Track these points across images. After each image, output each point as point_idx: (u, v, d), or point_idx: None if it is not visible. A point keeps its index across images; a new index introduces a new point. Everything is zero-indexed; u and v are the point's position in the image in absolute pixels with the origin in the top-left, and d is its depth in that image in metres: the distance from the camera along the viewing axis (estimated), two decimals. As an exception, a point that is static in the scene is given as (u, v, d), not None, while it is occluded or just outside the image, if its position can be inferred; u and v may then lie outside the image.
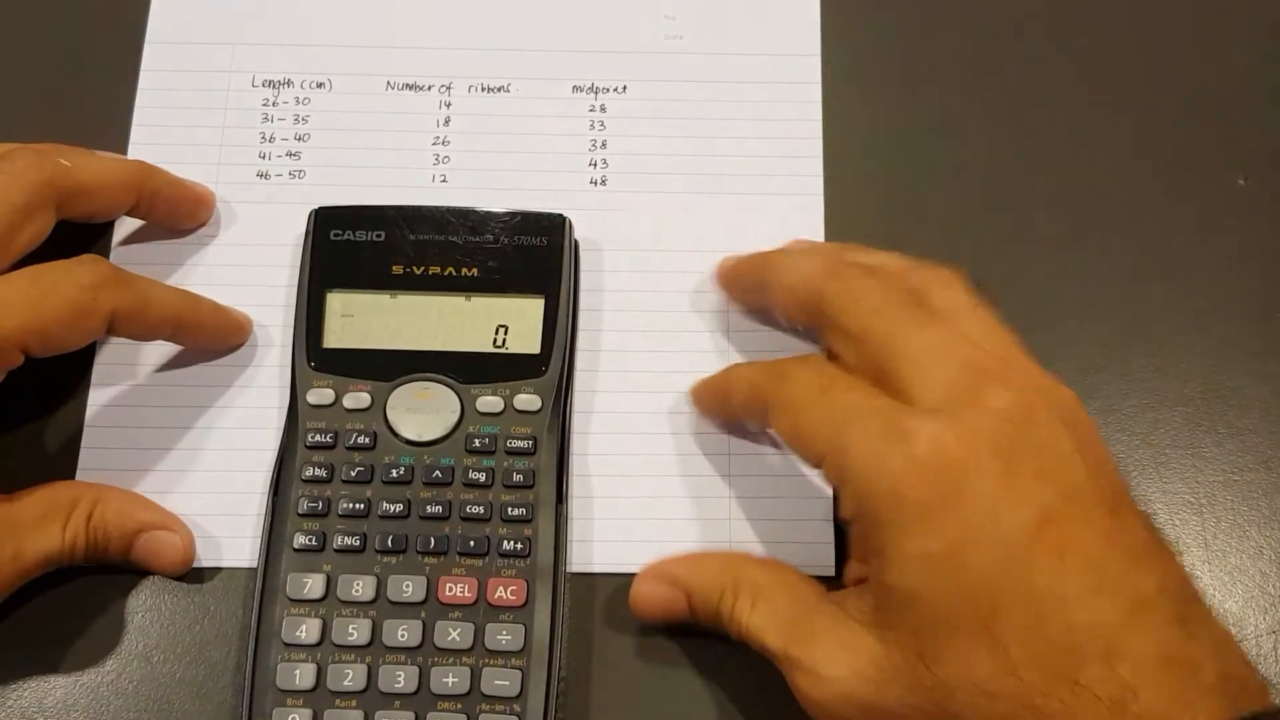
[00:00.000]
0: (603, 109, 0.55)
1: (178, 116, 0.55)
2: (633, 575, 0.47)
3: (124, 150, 0.54)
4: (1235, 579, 0.48)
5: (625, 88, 0.55)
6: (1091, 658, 0.36)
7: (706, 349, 0.51)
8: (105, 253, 0.52)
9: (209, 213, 0.52)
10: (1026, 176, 0.54)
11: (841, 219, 0.53)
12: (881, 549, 0.39)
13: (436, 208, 0.50)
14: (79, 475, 0.49)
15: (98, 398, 0.50)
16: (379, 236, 0.49)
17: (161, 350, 0.50)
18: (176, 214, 0.51)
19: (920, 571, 0.38)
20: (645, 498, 0.49)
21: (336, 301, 0.49)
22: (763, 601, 0.42)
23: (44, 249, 0.46)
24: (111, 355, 0.50)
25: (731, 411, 0.48)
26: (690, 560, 0.46)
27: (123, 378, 0.50)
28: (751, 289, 0.49)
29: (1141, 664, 0.36)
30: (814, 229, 0.53)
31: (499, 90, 0.55)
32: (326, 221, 0.50)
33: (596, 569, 0.48)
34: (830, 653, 0.40)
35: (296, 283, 0.49)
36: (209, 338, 0.50)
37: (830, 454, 0.41)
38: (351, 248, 0.49)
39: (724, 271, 0.50)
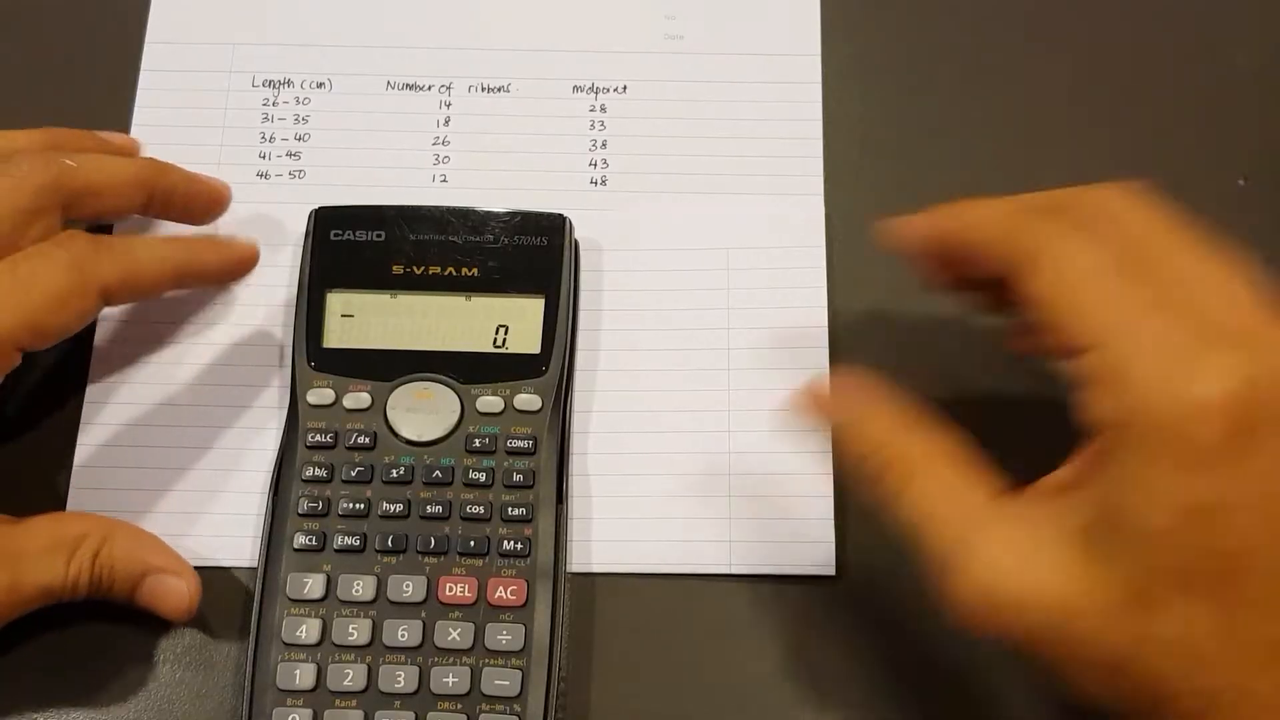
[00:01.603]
0: (603, 109, 0.55)
1: (178, 116, 0.55)
2: (632, 575, 0.47)
3: (126, 149, 0.54)
4: None
5: (625, 87, 0.55)
6: None
7: (707, 348, 0.51)
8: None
9: (226, 206, 0.51)
10: (1027, 176, 0.54)
11: (841, 219, 0.53)
12: (1136, 476, 0.34)
13: (436, 208, 0.50)
14: (75, 473, 0.49)
15: (95, 396, 0.50)
16: (379, 236, 0.49)
17: (161, 347, 0.50)
18: (192, 211, 0.50)
19: (1179, 517, 0.33)
20: (645, 497, 0.49)
21: (336, 301, 0.49)
22: (920, 481, 0.38)
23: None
24: (110, 351, 0.50)
25: (956, 251, 0.41)
26: (863, 406, 0.41)
27: (121, 376, 0.50)
28: (954, 241, 0.42)
29: None
30: (814, 229, 0.53)
31: (499, 90, 0.55)
32: (326, 221, 0.50)
33: (596, 569, 0.48)
34: (1013, 555, 0.35)
35: (296, 283, 0.49)
36: (217, 277, 0.49)
37: (1113, 349, 0.35)
38: (351, 248, 0.49)
39: (910, 229, 0.43)
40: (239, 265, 0.49)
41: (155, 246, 0.47)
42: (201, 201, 0.50)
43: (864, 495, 0.40)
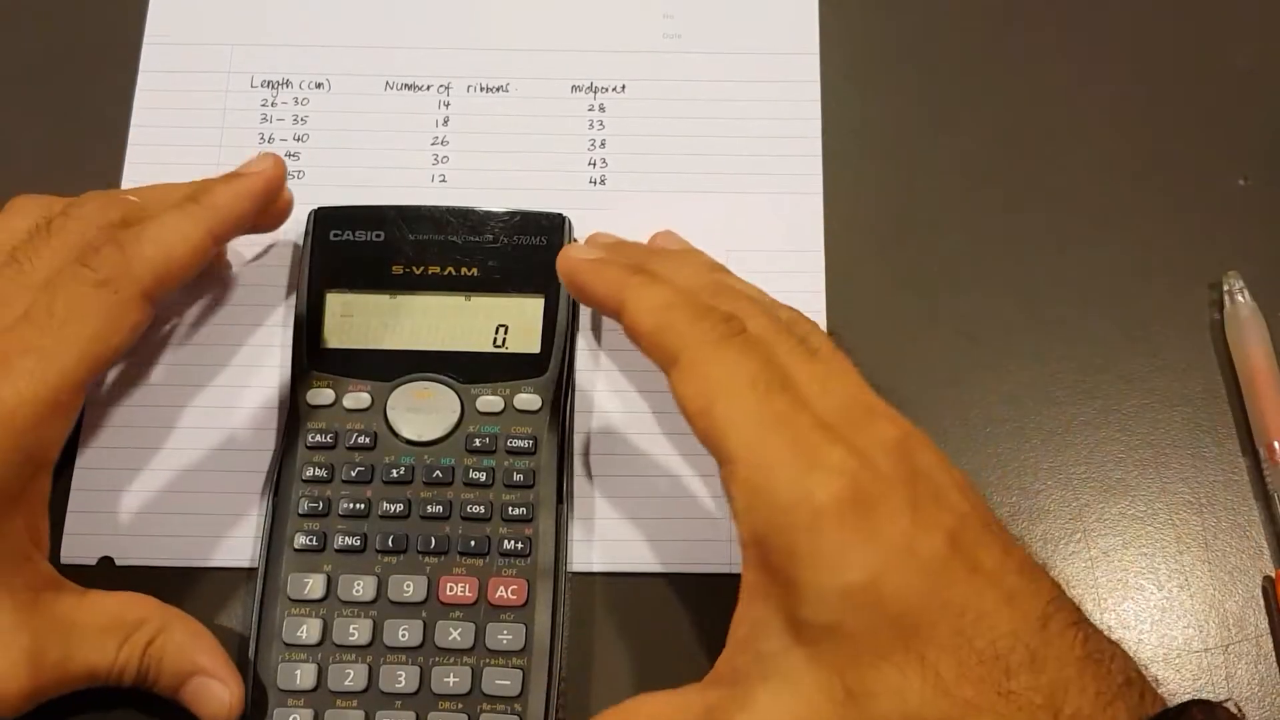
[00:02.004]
0: (601, 108, 0.55)
1: (176, 117, 0.55)
2: (633, 575, 0.48)
3: (123, 150, 0.54)
4: (1235, 579, 0.48)
5: (624, 87, 0.55)
6: (1019, 666, 0.36)
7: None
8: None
9: (289, 204, 0.50)
10: (1026, 176, 0.54)
11: (840, 218, 0.53)
12: (796, 581, 0.37)
13: (436, 208, 0.50)
14: (76, 473, 0.49)
15: (95, 396, 0.50)
16: (378, 237, 0.49)
17: (162, 347, 0.50)
18: (262, 226, 0.49)
19: (842, 605, 0.37)
20: (645, 498, 0.49)
21: (336, 302, 0.49)
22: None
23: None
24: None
25: (612, 316, 0.44)
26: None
27: (122, 376, 0.50)
28: (606, 297, 0.44)
29: (1063, 667, 0.36)
30: (812, 228, 0.53)
31: (498, 90, 0.55)
32: (325, 222, 0.50)
33: (597, 569, 0.48)
34: (775, 692, 0.38)
35: (296, 283, 0.49)
36: (252, 216, 0.47)
37: (748, 464, 0.38)
38: (351, 248, 0.49)
39: (571, 268, 0.46)
40: (265, 191, 0.47)
41: (178, 221, 0.45)
42: (269, 218, 0.49)
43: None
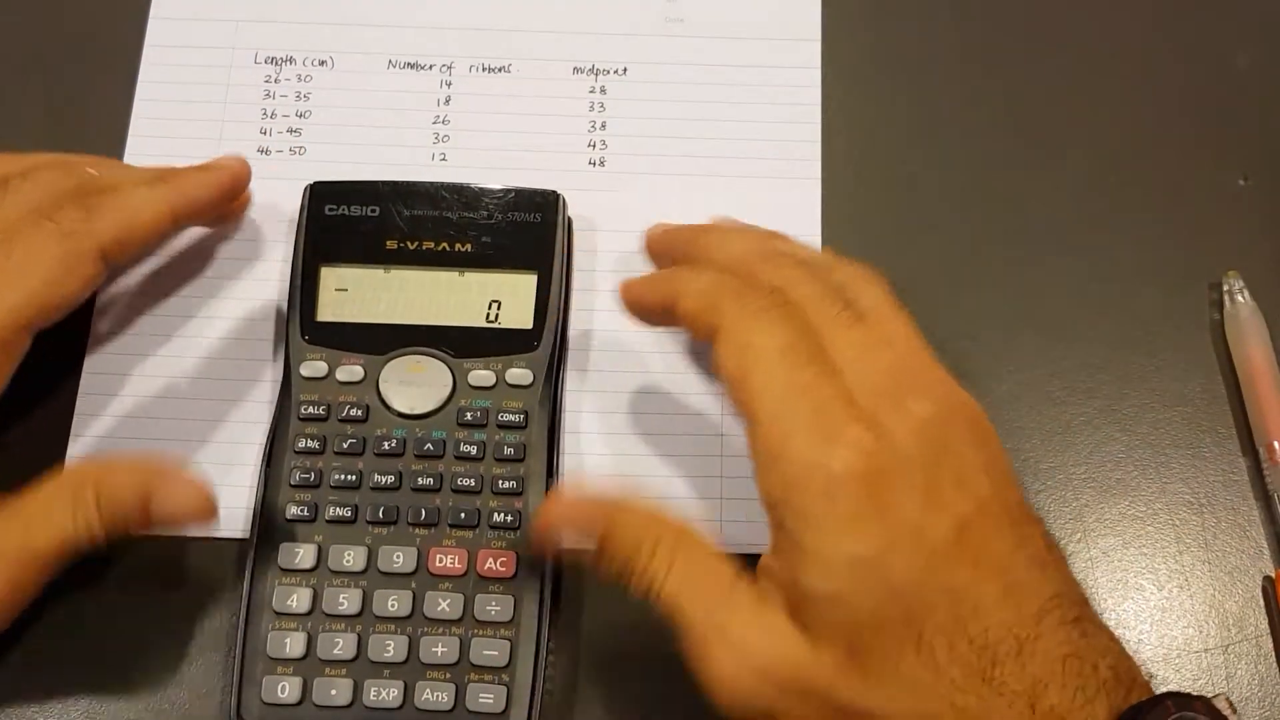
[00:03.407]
0: (603, 90, 0.55)
1: (180, 92, 0.55)
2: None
3: (126, 124, 0.54)
4: (1235, 579, 0.48)
5: (625, 70, 0.56)
6: (1006, 656, 0.37)
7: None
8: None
9: (246, 200, 0.51)
10: (1026, 175, 0.54)
11: (838, 202, 0.53)
12: (803, 546, 0.38)
13: (431, 183, 0.50)
14: (71, 445, 0.49)
15: (91, 368, 0.50)
16: (373, 212, 0.50)
17: (157, 319, 0.51)
18: (222, 220, 0.51)
19: (847, 574, 0.38)
20: (637, 476, 0.49)
21: (330, 275, 0.49)
22: (681, 564, 0.41)
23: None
24: (106, 324, 0.51)
25: (668, 318, 0.45)
26: (616, 505, 0.43)
27: (117, 349, 0.50)
28: (681, 257, 0.46)
29: (1048, 662, 0.37)
30: (811, 212, 0.53)
31: (500, 70, 0.56)
32: (321, 196, 0.50)
33: (586, 545, 0.48)
34: (755, 630, 0.39)
35: (291, 256, 0.50)
36: (213, 207, 0.49)
37: (770, 429, 0.39)
38: (346, 222, 0.49)
39: (653, 239, 0.48)
40: (232, 186, 0.49)
41: (144, 192, 0.46)
42: (225, 211, 0.51)
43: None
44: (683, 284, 0.44)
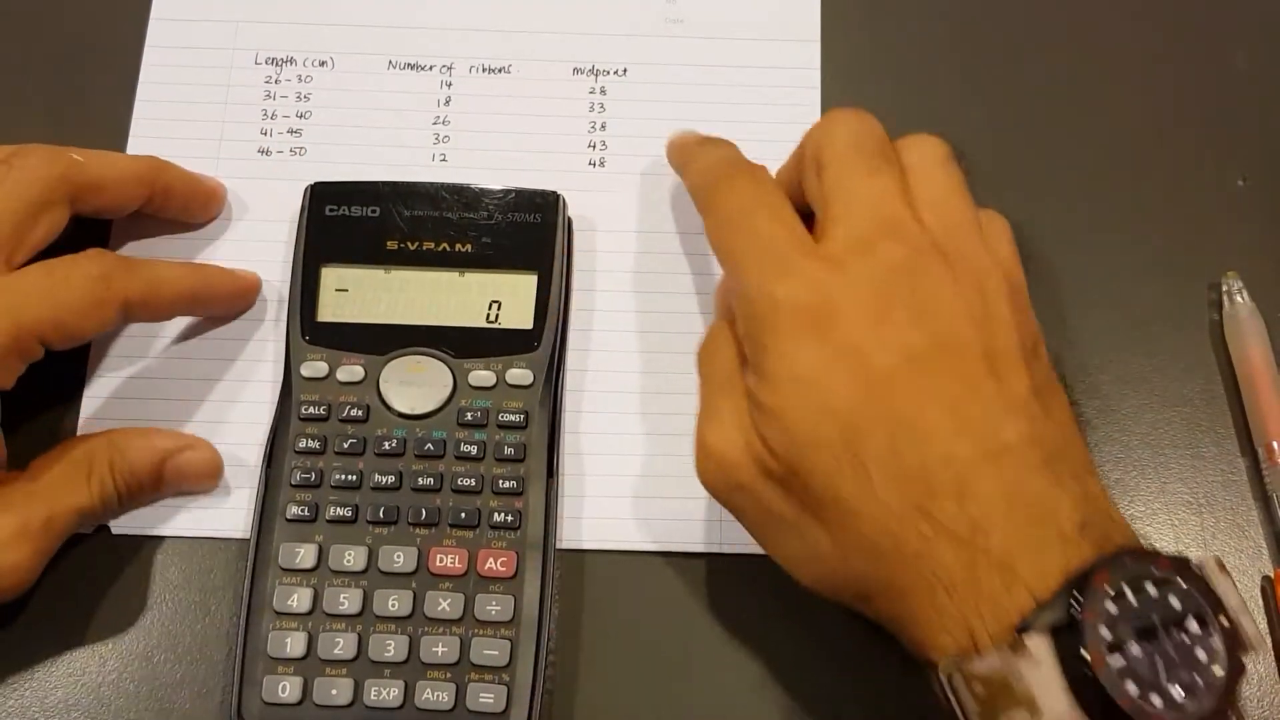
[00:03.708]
0: (603, 91, 0.55)
1: (181, 92, 0.55)
2: (622, 552, 0.48)
3: (127, 125, 0.54)
4: (1235, 579, 0.48)
5: (625, 70, 0.56)
6: (944, 492, 0.38)
7: (700, 330, 0.51)
8: (106, 229, 0.52)
9: (220, 207, 0.53)
10: (1026, 175, 0.54)
11: (837, 203, 0.53)
12: (759, 368, 0.41)
13: (431, 184, 0.50)
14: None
15: (95, 368, 0.50)
16: (374, 212, 0.50)
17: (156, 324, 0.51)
18: (189, 209, 0.52)
19: (789, 391, 0.40)
20: (636, 476, 0.49)
21: (331, 276, 0.49)
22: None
23: (57, 243, 0.47)
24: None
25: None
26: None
27: (119, 350, 0.50)
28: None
29: (991, 504, 0.37)
30: (809, 214, 0.53)
31: (500, 71, 0.56)
32: (322, 197, 0.50)
33: (587, 546, 0.48)
34: (742, 425, 0.42)
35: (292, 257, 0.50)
36: (223, 306, 0.51)
37: (732, 270, 0.44)
38: (346, 223, 0.50)
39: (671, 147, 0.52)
40: (245, 294, 0.51)
41: (174, 268, 0.49)
42: (199, 200, 0.52)
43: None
44: (694, 158, 0.49)
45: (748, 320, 0.42)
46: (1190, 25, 0.57)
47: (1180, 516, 0.49)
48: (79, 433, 0.49)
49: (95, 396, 0.50)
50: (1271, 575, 0.48)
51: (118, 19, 0.56)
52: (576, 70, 0.56)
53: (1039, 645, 0.35)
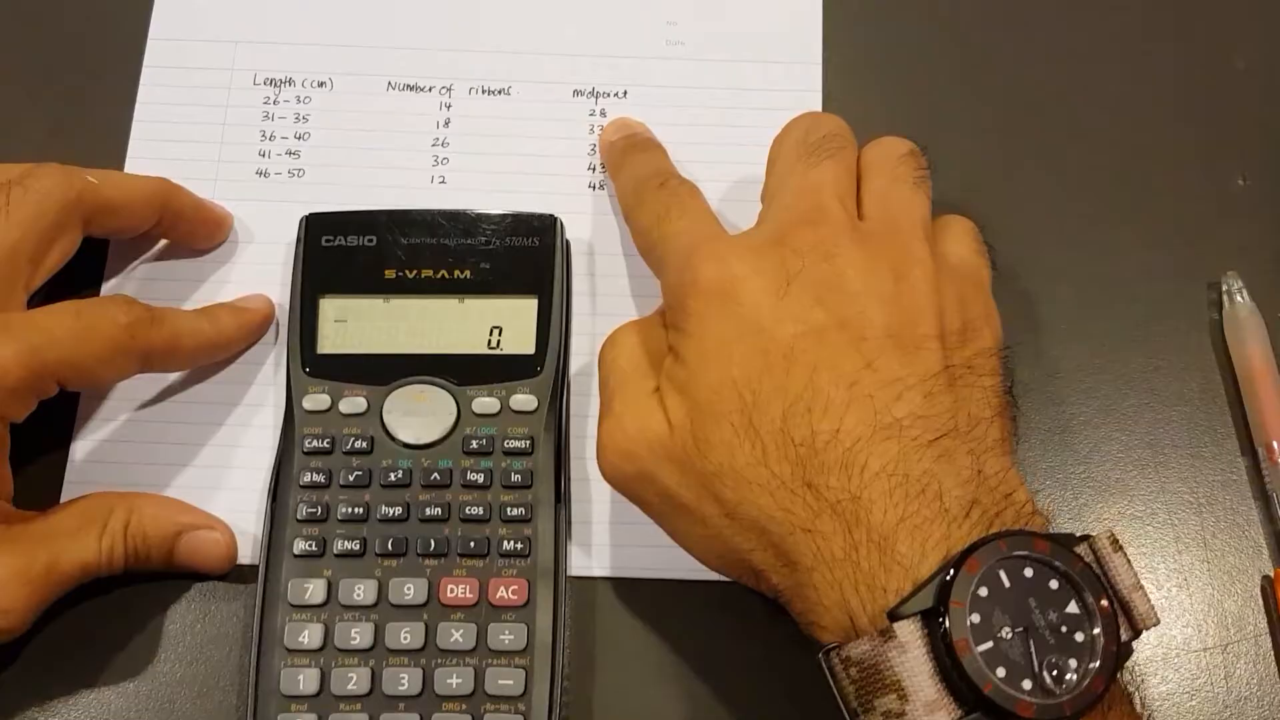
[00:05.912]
0: (603, 113, 0.55)
1: (179, 113, 0.55)
2: (634, 579, 0.48)
3: (125, 145, 0.54)
4: (1235, 579, 0.48)
5: (625, 92, 0.56)
6: (831, 465, 0.38)
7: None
8: (104, 246, 0.52)
9: (226, 234, 0.53)
10: (1026, 177, 0.54)
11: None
12: (677, 350, 0.43)
13: (427, 211, 0.50)
14: (67, 477, 0.49)
15: (90, 400, 0.50)
16: (370, 241, 0.49)
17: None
18: (196, 234, 0.52)
19: (696, 365, 0.42)
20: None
21: (330, 307, 0.49)
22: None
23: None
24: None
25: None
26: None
27: (122, 384, 0.50)
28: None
29: (873, 479, 0.38)
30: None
31: (499, 93, 0.55)
32: (317, 227, 0.50)
33: (598, 573, 0.48)
34: (637, 414, 0.43)
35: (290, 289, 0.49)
36: (239, 346, 0.50)
37: (658, 272, 0.47)
38: (343, 253, 0.49)
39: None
40: (256, 333, 0.51)
41: (195, 321, 0.49)
42: (207, 226, 0.52)
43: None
44: (619, 169, 0.52)
45: (671, 311, 0.44)
46: (1190, 25, 0.57)
47: (1180, 516, 0.49)
48: (68, 469, 0.49)
49: (94, 427, 0.50)
50: (1271, 575, 0.48)
51: (116, 39, 0.56)
52: (576, 92, 0.55)
53: (908, 631, 0.35)
